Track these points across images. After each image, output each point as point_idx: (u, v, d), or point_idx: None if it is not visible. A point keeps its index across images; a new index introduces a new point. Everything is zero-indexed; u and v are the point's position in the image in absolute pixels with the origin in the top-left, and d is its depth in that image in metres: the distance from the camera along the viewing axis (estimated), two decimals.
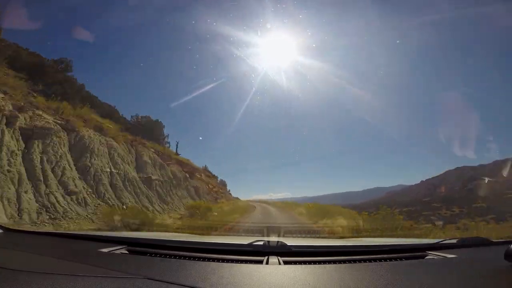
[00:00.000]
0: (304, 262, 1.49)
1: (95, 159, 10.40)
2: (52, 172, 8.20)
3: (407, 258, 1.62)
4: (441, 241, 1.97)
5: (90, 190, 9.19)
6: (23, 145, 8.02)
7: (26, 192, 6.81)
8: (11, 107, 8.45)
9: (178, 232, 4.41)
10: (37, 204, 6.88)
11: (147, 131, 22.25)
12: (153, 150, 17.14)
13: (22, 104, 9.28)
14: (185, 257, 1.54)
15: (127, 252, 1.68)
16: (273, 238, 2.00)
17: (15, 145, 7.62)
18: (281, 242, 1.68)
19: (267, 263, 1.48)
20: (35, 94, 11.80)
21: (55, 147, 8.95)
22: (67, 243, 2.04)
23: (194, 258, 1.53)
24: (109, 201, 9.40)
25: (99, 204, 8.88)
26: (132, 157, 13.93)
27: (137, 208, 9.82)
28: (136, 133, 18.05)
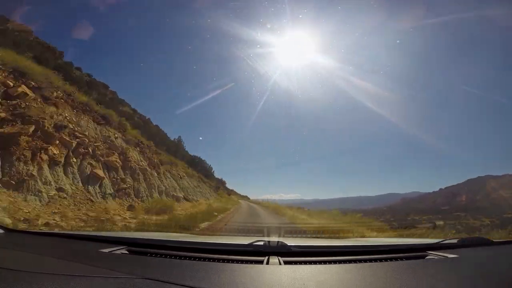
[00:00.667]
0: (305, 262, 1.49)
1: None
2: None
3: (407, 258, 1.62)
4: (441, 241, 1.96)
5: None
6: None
7: None
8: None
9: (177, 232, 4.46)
10: None
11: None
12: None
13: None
14: (185, 257, 1.53)
15: (127, 252, 1.68)
16: (274, 238, 2.00)
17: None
18: (282, 242, 1.68)
19: (267, 263, 1.47)
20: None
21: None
22: (67, 243, 2.04)
23: (194, 258, 1.52)
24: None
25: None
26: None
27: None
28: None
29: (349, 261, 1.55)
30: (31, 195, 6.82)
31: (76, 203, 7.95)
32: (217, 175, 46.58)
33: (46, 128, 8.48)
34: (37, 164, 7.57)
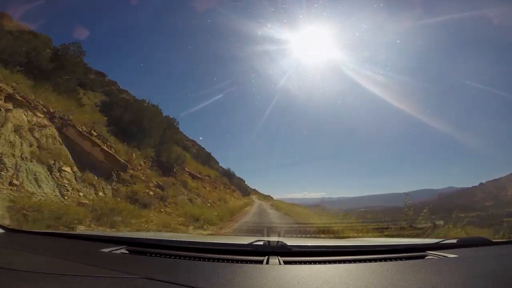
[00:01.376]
0: (305, 262, 1.49)
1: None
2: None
3: (407, 258, 1.61)
4: (441, 241, 1.96)
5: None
6: None
7: None
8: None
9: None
10: None
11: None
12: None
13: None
14: (185, 257, 1.54)
15: (127, 252, 1.69)
16: (273, 238, 1.99)
17: None
18: (281, 242, 1.68)
19: (267, 263, 1.47)
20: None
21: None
22: (67, 243, 2.05)
23: (194, 258, 1.53)
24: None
25: None
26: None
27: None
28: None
29: (349, 261, 1.55)
30: None
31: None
32: (238, 174, 47.49)
33: None
34: None
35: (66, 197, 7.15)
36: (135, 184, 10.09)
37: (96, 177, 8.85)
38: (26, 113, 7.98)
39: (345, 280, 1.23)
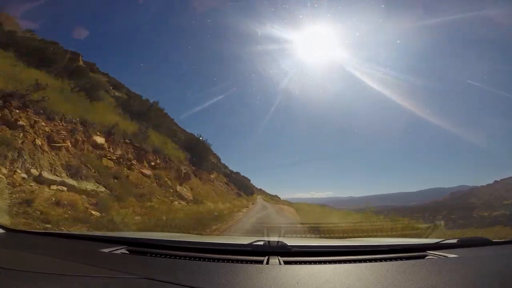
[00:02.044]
0: (305, 262, 1.49)
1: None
2: None
3: (407, 258, 1.61)
4: (441, 241, 1.95)
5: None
6: None
7: None
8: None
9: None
10: None
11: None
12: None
13: None
14: (185, 257, 1.54)
15: (127, 252, 1.70)
16: (274, 238, 1.98)
17: None
18: (281, 242, 1.68)
19: (267, 263, 1.47)
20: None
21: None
22: (67, 243, 2.06)
23: (194, 258, 1.53)
24: None
25: None
26: None
27: None
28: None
29: (349, 261, 1.54)
30: None
31: None
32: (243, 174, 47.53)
33: None
34: None
35: None
36: None
37: None
38: None
39: (345, 280, 1.23)
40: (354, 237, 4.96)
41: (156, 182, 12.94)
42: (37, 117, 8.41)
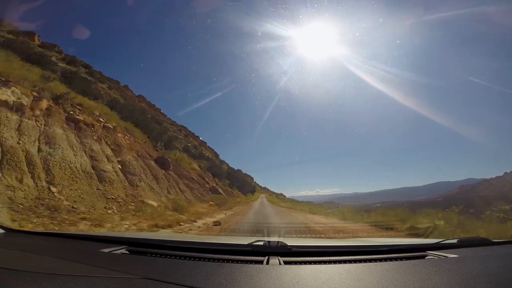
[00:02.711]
0: (305, 262, 1.49)
1: None
2: None
3: (407, 258, 1.61)
4: (441, 241, 1.95)
5: None
6: None
7: None
8: None
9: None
10: None
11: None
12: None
13: None
14: (185, 257, 1.54)
15: (127, 252, 1.70)
16: (274, 238, 1.99)
17: None
18: (282, 242, 1.68)
19: (267, 263, 1.47)
20: None
21: None
22: (67, 243, 2.05)
23: (194, 258, 1.53)
24: None
25: None
26: None
27: None
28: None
29: (349, 261, 1.54)
30: None
31: None
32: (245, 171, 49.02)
33: None
34: None
35: None
36: None
37: None
38: None
39: (345, 280, 1.23)
40: (355, 237, 4.96)
41: None
42: None
